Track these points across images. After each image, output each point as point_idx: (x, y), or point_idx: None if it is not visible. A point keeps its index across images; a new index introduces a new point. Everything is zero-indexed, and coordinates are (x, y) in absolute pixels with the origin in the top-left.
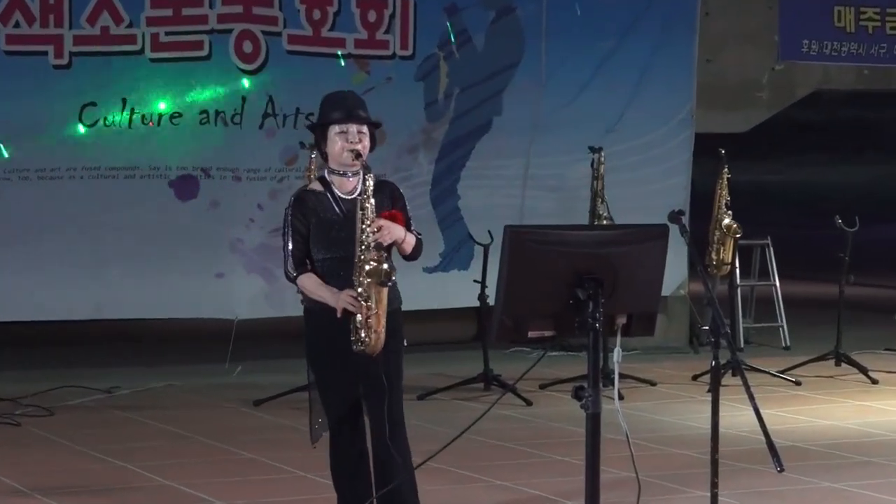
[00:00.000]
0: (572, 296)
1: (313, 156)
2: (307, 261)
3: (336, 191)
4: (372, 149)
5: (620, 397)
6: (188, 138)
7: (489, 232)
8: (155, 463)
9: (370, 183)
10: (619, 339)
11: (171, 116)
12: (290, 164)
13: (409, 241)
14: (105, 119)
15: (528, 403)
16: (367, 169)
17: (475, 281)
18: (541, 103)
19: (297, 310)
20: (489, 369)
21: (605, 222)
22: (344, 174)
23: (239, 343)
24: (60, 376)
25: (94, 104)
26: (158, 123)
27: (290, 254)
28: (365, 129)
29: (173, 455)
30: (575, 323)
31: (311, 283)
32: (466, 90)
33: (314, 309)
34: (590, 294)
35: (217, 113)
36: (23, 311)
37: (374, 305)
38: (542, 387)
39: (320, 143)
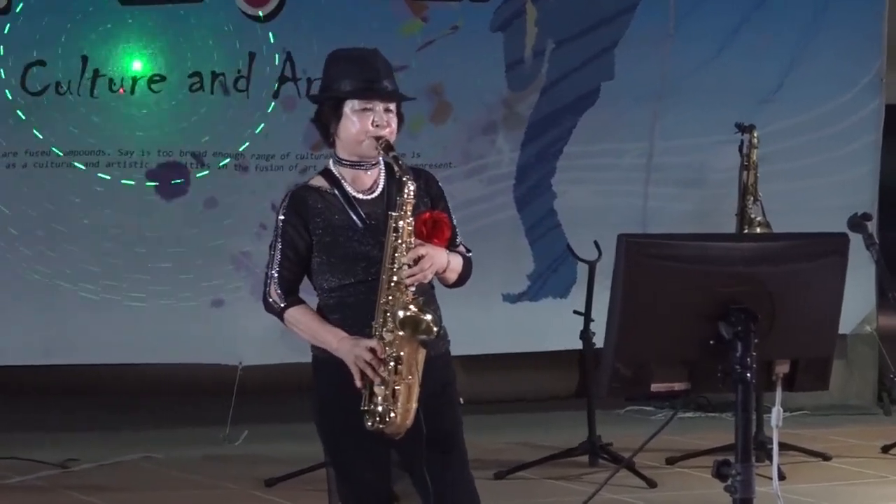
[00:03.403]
0: (713, 334)
1: None
2: (299, 286)
3: (349, 189)
4: (398, 129)
5: (781, 476)
6: (174, 111)
7: (596, 244)
8: None
9: (409, 189)
10: (779, 395)
11: (150, 81)
12: (318, 147)
13: (455, 267)
14: (58, 85)
15: (652, 485)
16: (398, 162)
17: (577, 313)
18: (669, 63)
19: None
20: (596, 436)
21: (759, 230)
22: (359, 166)
23: (244, 399)
24: None
25: (41, 63)
26: (132, 91)
27: (275, 276)
28: (392, 105)
29: None
30: (717, 372)
31: (307, 319)
32: (564, 45)
33: (328, 360)
34: (738, 332)
35: (214, 76)
36: None
37: (405, 370)
38: (671, 461)
39: (328, 120)
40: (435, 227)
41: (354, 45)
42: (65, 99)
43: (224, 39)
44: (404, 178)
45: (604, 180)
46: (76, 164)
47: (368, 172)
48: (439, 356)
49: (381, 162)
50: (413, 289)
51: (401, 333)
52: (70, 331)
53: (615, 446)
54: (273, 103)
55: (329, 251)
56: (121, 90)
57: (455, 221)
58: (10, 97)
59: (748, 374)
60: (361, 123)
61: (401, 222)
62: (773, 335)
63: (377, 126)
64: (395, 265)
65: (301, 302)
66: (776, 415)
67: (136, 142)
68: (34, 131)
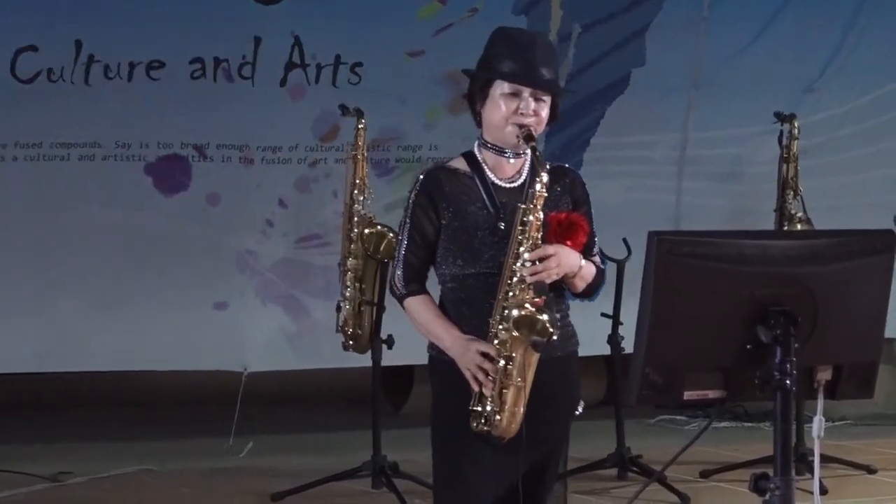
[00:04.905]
0: (751, 338)
1: (361, 126)
2: (426, 274)
3: (489, 174)
4: (551, 121)
5: (823, 491)
6: (174, 100)
7: (625, 242)
8: None
9: (542, 182)
10: (820, 403)
11: (149, 67)
12: (328, 139)
13: (586, 275)
14: (49, 72)
15: (685, 499)
16: (536, 153)
17: (604, 316)
18: (703, 49)
19: (337, 359)
20: (625, 448)
21: (799, 227)
22: (503, 153)
23: (250, 408)
24: None
25: (32, 49)
26: (130, 78)
27: (401, 261)
28: (545, 95)
29: None
30: (755, 379)
31: (423, 311)
32: (591, 29)
33: (441, 359)
34: (777, 335)
35: (217, 62)
36: None
37: (515, 372)
38: (705, 474)
39: (474, 98)
40: (570, 229)
41: (370, 30)
42: (57, 87)
43: (228, 23)
44: (539, 172)
45: (634, 174)
46: (70, 157)
47: (512, 161)
48: (561, 358)
49: (529, 153)
50: (532, 287)
51: (515, 334)
52: (63, 336)
53: (646, 458)
54: (280, 92)
55: (455, 237)
56: (117, 77)
57: (595, 229)
58: None
59: (788, 382)
60: (506, 108)
61: (530, 216)
62: (814, 339)
63: (522, 114)
64: (519, 261)
65: (423, 292)
66: (818, 425)
67: (133, 133)
68: (26, 122)
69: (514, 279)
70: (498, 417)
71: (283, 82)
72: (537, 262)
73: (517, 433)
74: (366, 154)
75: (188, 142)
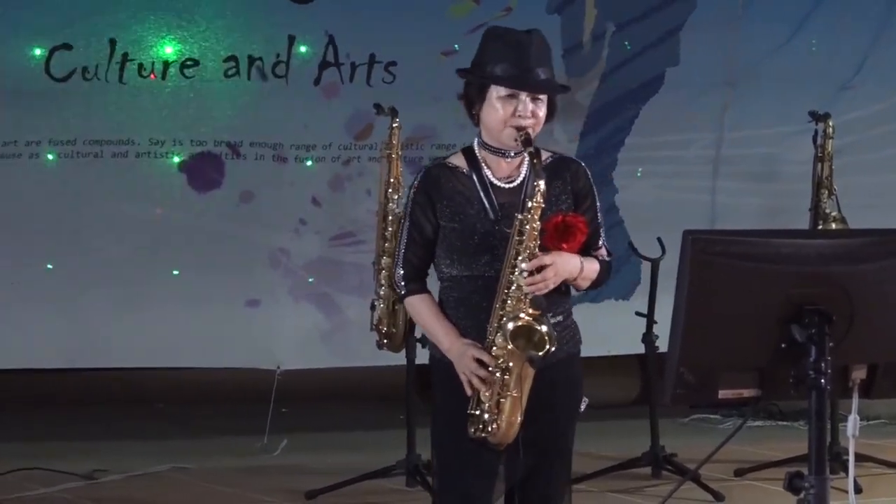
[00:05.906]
0: (785, 337)
1: (395, 124)
2: (427, 272)
3: (487, 174)
4: (549, 119)
5: (858, 490)
6: (208, 99)
7: (659, 241)
8: None
9: (540, 191)
10: (855, 402)
11: (183, 66)
12: (362, 137)
13: (588, 274)
14: (84, 70)
15: (719, 498)
16: (533, 160)
17: (639, 314)
18: (738, 47)
19: (370, 358)
20: (659, 446)
21: (834, 226)
22: (501, 153)
23: (283, 406)
24: (18, 454)
25: (67, 47)
26: (164, 76)
27: (402, 259)
28: (542, 95)
29: None
30: (789, 378)
31: (423, 311)
32: (626, 28)
33: (442, 360)
34: (812, 335)
35: (251, 60)
36: None
37: (512, 383)
38: (739, 473)
39: (472, 101)
40: (566, 232)
41: (405, 29)
42: (92, 85)
43: (262, 21)
44: (536, 182)
45: (668, 174)
46: (103, 154)
47: (509, 160)
48: (563, 360)
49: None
50: (530, 296)
51: (510, 347)
52: (96, 333)
53: (680, 457)
54: (314, 91)
55: (452, 238)
56: (151, 76)
57: (601, 220)
58: (35, 84)
59: (822, 381)
60: (504, 111)
61: (526, 225)
62: (849, 338)
63: (520, 116)
64: (516, 270)
65: (423, 291)
66: (852, 423)
67: (167, 131)
68: (59, 120)
69: (512, 288)
70: (495, 426)
71: (317, 81)
72: (534, 273)
73: (515, 439)
74: (400, 153)
75: (222, 140)
